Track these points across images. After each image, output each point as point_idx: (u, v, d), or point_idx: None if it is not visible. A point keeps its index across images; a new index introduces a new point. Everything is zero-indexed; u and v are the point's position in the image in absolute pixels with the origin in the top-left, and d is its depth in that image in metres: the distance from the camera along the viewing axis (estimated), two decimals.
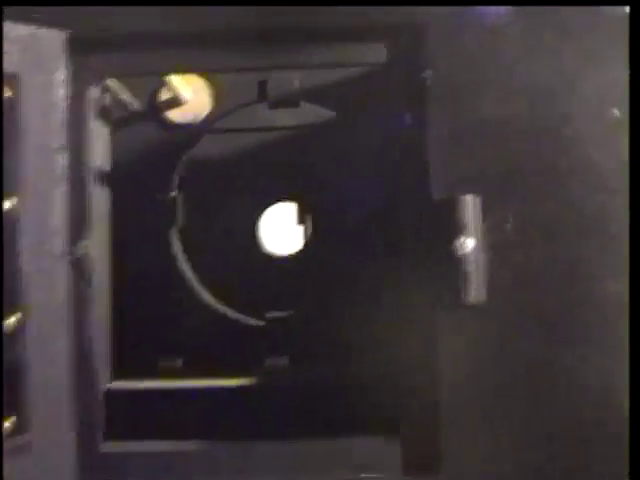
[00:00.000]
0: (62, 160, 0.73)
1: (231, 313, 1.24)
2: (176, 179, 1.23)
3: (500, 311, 0.73)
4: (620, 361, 0.76)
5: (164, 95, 1.20)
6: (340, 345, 1.13)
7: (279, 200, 1.31)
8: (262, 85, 1.21)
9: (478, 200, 0.73)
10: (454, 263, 0.71)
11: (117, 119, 1.24)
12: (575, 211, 0.75)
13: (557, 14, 0.76)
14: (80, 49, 0.74)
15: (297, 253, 1.32)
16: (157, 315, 1.21)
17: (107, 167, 1.19)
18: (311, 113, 1.26)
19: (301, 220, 1.36)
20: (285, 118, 1.28)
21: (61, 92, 0.74)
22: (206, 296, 1.25)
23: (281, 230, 1.52)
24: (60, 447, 0.74)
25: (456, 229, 0.72)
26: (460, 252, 0.71)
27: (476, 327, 0.73)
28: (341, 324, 1.14)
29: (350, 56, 0.78)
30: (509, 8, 0.76)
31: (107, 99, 1.17)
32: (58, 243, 0.74)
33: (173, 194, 1.22)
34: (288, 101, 1.20)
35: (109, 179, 1.18)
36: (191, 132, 1.24)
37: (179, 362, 1.23)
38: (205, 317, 1.23)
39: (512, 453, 0.75)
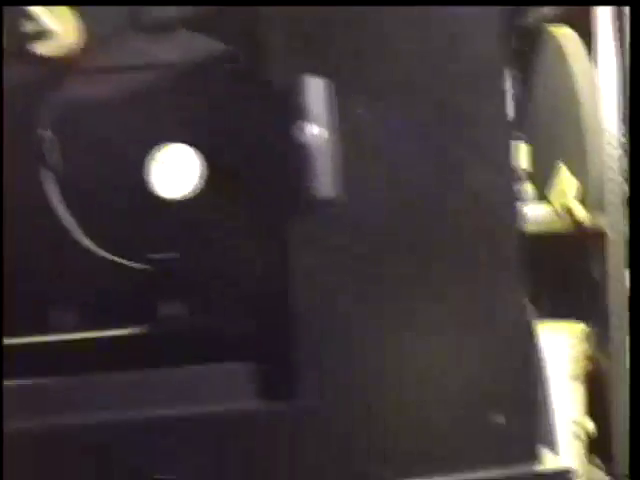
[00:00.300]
0: None
1: (116, 258, 1.18)
2: (47, 117, 1.16)
3: (356, 210, 0.68)
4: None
5: (28, 27, 1.12)
6: (220, 285, 1.08)
7: (169, 141, 1.25)
8: (135, 13, 1.14)
9: (329, 85, 0.66)
10: (297, 153, 0.65)
11: None
12: (446, 103, 0.69)
13: None
14: None
15: (186, 196, 1.26)
16: (38, 263, 1.14)
17: None
18: (192, 48, 1.19)
19: (193, 163, 1.31)
20: (165, 53, 1.21)
21: None
22: (87, 242, 1.18)
23: (171, 173, 1.45)
24: None
25: (296, 113, 0.65)
26: (302, 139, 0.65)
27: (331, 228, 0.67)
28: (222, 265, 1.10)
29: None
30: None
31: None
32: None
33: (46, 132, 1.14)
34: (164, 27, 1.13)
35: None
36: (60, 67, 1.18)
37: (70, 315, 1.16)
38: (89, 264, 1.16)
39: (365, 372, 0.70)
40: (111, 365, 0.95)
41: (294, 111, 0.63)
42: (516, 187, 0.74)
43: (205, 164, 1.20)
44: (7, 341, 1.05)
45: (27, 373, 0.86)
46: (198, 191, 1.23)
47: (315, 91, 0.65)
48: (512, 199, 0.73)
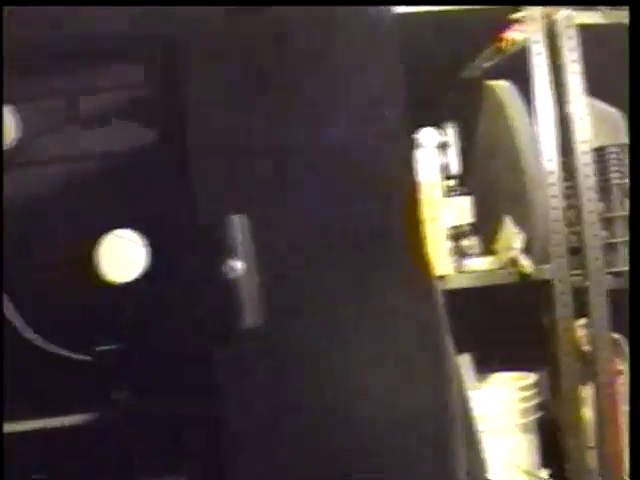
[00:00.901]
0: None
1: (60, 351, 1.18)
2: None
3: (278, 335, 0.70)
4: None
5: None
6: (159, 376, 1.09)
7: (113, 227, 1.26)
8: (72, 105, 1.15)
9: (245, 220, 0.69)
10: (226, 288, 0.67)
11: None
12: (348, 217, 0.71)
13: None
14: None
15: (133, 280, 1.27)
16: None
17: None
18: (125, 134, 1.21)
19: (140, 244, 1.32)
20: (101, 142, 1.22)
21: None
22: (31, 334, 1.18)
23: (119, 258, 1.46)
24: None
25: (224, 252, 0.67)
26: (230, 275, 0.67)
27: (253, 354, 0.69)
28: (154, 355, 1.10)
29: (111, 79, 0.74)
30: None
31: None
32: None
33: None
34: (100, 120, 1.14)
35: None
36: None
37: (15, 405, 1.16)
38: (32, 356, 1.17)
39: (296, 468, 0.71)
40: (63, 455, 0.95)
41: (220, 248, 0.65)
42: None
43: (150, 250, 1.21)
44: None
45: None
46: (145, 275, 1.24)
47: (237, 227, 0.68)
48: None
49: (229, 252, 0.68)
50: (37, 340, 1.17)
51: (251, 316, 0.69)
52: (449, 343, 0.79)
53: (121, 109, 1.05)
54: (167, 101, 0.74)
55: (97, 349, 1.19)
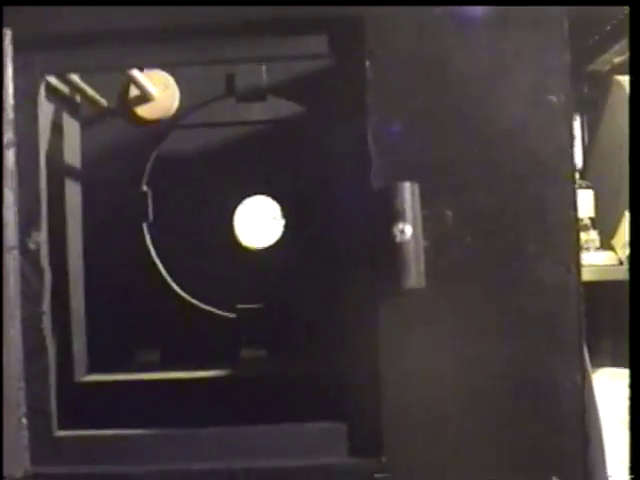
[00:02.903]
0: (12, 155, 0.75)
1: (204, 305, 1.27)
2: (147, 174, 1.26)
3: (438, 297, 0.75)
4: (565, 351, 0.77)
5: (133, 92, 1.23)
6: (304, 338, 1.15)
7: (253, 194, 1.34)
8: (229, 79, 1.23)
9: (416, 188, 0.74)
10: (393, 250, 0.73)
11: (87, 117, 1.26)
12: (512, 199, 0.76)
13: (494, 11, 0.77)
14: (26, 47, 0.76)
15: (270, 247, 1.34)
16: (131, 308, 1.23)
17: (78, 163, 1.21)
18: (279, 107, 1.29)
19: (276, 214, 1.39)
20: (254, 112, 1.30)
21: (9, 90, 0.76)
22: (179, 289, 1.27)
23: (255, 224, 1.54)
24: (15, 433, 0.76)
25: (394, 216, 0.73)
26: (399, 239, 0.73)
27: (415, 313, 0.74)
28: (305, 317, 1.17)
29: (295, 49, 0.80)
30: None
31: (75, 96, 1.18)
32: (10, 237, 0.76)
33: (144, 189, 1.24)
34: (256, 95, 1.22)
35: (80, 174, 1.21)
36: (160, 128, 1.27)
37: (155, 355, 1.25)
38: (179, 310, 1.26)
39: (449, 439, 0.76)
40: (195, 408, 1.02)
41: (390, 213, 0.71)
42: None
43: (287, 217, 1.29)
44: (92, 378, 1.13)
45: (110, 414, 0.92)
46: (281, 241, 1.31)
47: (407, 194, 0.73)
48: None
49: (399, 216, 0.74)
50: (186, 296, 1.26)
51: (416, 277, 0.74)
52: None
53: (302, 78, 1.12)
54: (349, 71, 0.79)
55: (240, 307, 1.27)
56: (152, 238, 1.27)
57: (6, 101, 0.77)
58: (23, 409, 0.77)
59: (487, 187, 0.76)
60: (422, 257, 0.74)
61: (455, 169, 0.76)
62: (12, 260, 0.76)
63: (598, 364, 1.94)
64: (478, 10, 0.77)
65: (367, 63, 0.76)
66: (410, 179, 0.74)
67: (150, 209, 1.25)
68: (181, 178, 1.32)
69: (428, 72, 0.76)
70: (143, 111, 1.24)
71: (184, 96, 1.27)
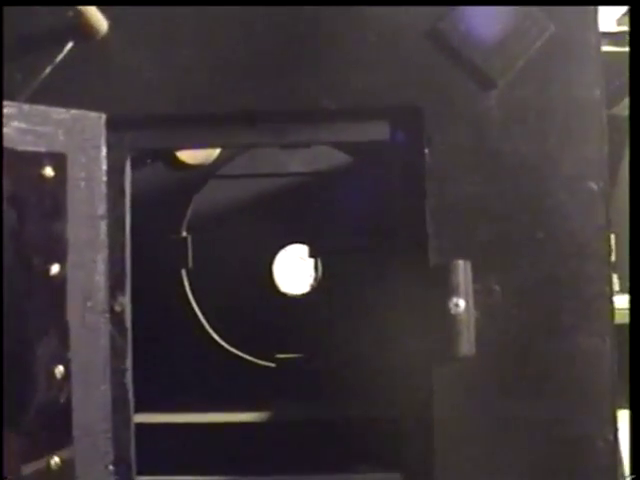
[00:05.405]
0: (103, 227, 0.83)
1: (242, 354, 1.32)
2: (186, 220, 1.32)
3: (487, 364, 0.83)
4: (599, 413, 0.85)
5: None
6: (346, 387, 1.21)
7: (289, 243, 1.40)
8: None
9: (468, 265, 0.83)
10: (448, 321, 0.81)
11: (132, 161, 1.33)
12: (553, 275, 0.85)
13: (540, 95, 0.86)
14: (116, 128, 0.84)
15: (306, 294, 1.40)
16: (172, 355, 1.28)
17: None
18: (319, 157, 1.34)
19: (311, 262, 1.44)
20: (294, 163, 1.36)
21: (103, 167, 0.84)
22: (218, 337, 1.33)
23: (291, 271, 1.60)
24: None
25: (450, 291, 0.82)
26: (453, 312, 0.81)
27: (467, 377, 0.83)
28: (348, 367, 1.23)
29: (358, 134, 0.88)
30: None
31: None
32: (100, 301, 0.84)
33: (184, 235, 1.31)
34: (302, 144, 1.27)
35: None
36: (202, 173, 1.33)
37: (194, 399, 1.29)
38: (217, 358, 1.31)
39: None
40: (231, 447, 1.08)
41: (446, 288, 0.80)
42: None
43: (321, 265, 1.34)
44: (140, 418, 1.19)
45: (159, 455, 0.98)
46: (317, 288, 1.37)
47: (461, 271, 0.82)
48: None
49: (454, 291, 0.82)
50: (225, 344, 1.32)
51: (467, 345, 0.83)
52: None
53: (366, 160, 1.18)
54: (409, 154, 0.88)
55: (279, 357, 1.33)
56: (189, 285, 1.30)
57: (99, 178, 0.85)
58: (110, 457, 0.84)
59: (530, 264, 0.85)
60: (473, 328, 0.83)
61: (502, 248, 0.84)
62: (103, 324, 0.84)
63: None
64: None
65: (426, 150, 0.85)
66: (463, 257, 0.83)
67: (189, 255, 1.29)
68: (220, 226, 1.37)
69: (480, 159, 0.85)
70: (186, 156, 1.28)
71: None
